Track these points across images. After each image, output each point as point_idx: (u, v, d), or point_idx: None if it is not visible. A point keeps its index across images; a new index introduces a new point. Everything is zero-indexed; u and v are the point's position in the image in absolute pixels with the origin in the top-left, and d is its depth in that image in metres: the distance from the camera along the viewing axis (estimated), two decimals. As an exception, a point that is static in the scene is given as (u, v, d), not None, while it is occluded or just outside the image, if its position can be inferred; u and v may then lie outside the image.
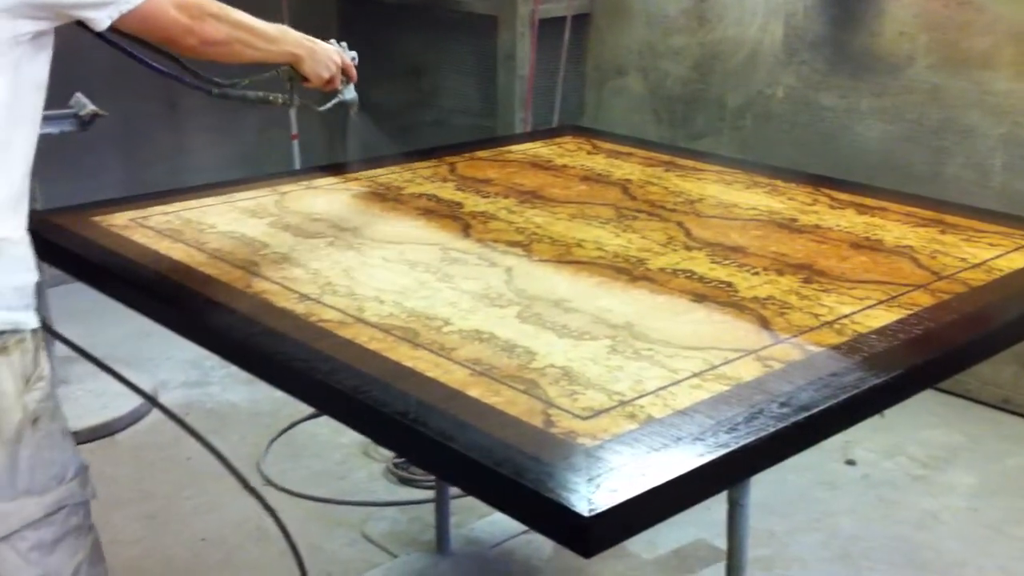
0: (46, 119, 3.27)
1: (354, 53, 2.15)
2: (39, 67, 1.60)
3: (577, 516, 1.11)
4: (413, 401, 1.34)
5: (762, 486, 3.00)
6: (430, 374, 1.42)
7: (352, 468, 3.13)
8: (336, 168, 2.48)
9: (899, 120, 3.55)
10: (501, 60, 4.27)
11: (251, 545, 2.77)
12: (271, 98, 2.11)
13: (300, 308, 1.64)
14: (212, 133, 4.82)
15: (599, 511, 1.11)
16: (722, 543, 2.03)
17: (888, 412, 3.33)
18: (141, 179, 4.42)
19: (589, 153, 2.63)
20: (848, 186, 2.35)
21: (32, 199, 3.37)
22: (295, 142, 4.30)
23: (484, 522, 2.81)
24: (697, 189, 2.31)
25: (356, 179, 2.37)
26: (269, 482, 3.05)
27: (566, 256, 1.88)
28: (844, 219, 2.10)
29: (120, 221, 2.06)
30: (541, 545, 2.73)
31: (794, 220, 2.10)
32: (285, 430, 3.31)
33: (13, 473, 1.57)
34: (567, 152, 2.63)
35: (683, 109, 4.15)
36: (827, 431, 1.38)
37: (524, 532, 2.77)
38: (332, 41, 2.09)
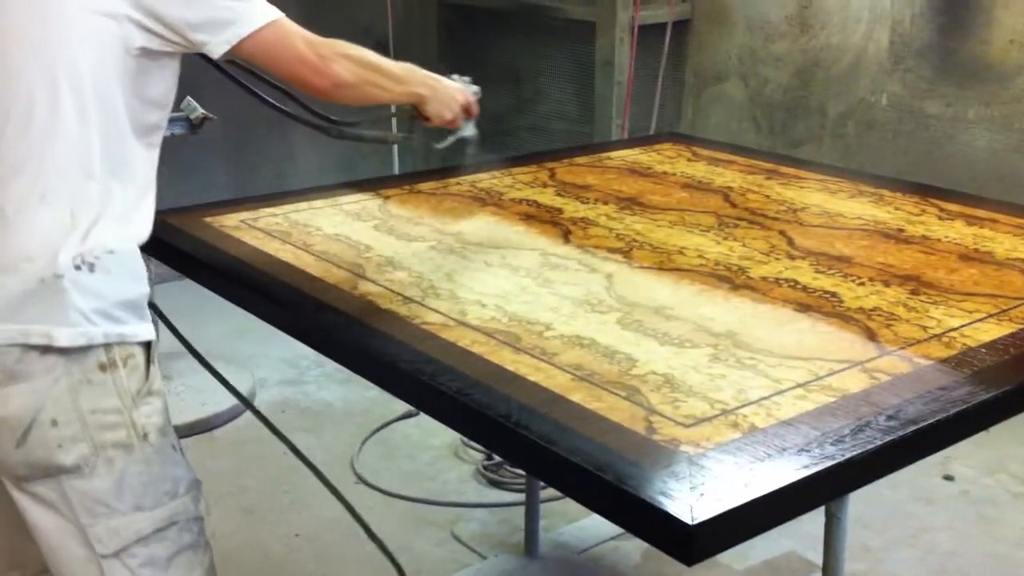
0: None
1: (477, 88, 2.06)
2: (156, 86, 1.59)
3: (681, 524, 1.11)
4: (515, 404, 1.35)
5: (857, 500, 2.94)
6: (532, 378, 1.43)
7: (443, 469, 3.16)
8: (437, 173, 2.51)
9: (1007, 130, 3.46)
10: (599, 66, 4.27)
11: (344, 542, 2.81)
12: (389, 138, 2.09)
13: (404, 310, 1.66)
14: (315, 138, 4.91)
15: (702, 520, 1.11)
16: (814, 556, 2.01)
17: (992, 428, 3.24)
18: (247, 182, 4.51)
19: (689, 160, 2.62)
20: (957, 197, 2.30)
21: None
22: (395, 146, 4.36)
23: (573, 527, 2.81)
24: (800, 198, 2.29)
25: (458, 184, 2.39)
26: (362, 480, 3.10)
27: (667, 263, 1.88)
28: (953, 230, 2.06)
29: (231, 222, 2.11)
30: (629, 552, 2.73)
31: (901, 231, 2.06)
32: (378, 429, 3.35)
33: (122, 489, 1.53)
34: (667, 159, 2.63)
35: (783, 116, 4.10)
36: (935, 445, 1.36)
37: (613, 538, 2.76)
38: (455, 76, 2.02)
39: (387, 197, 2.29)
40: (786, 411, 1.34)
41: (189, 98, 3.20)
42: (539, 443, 1.27)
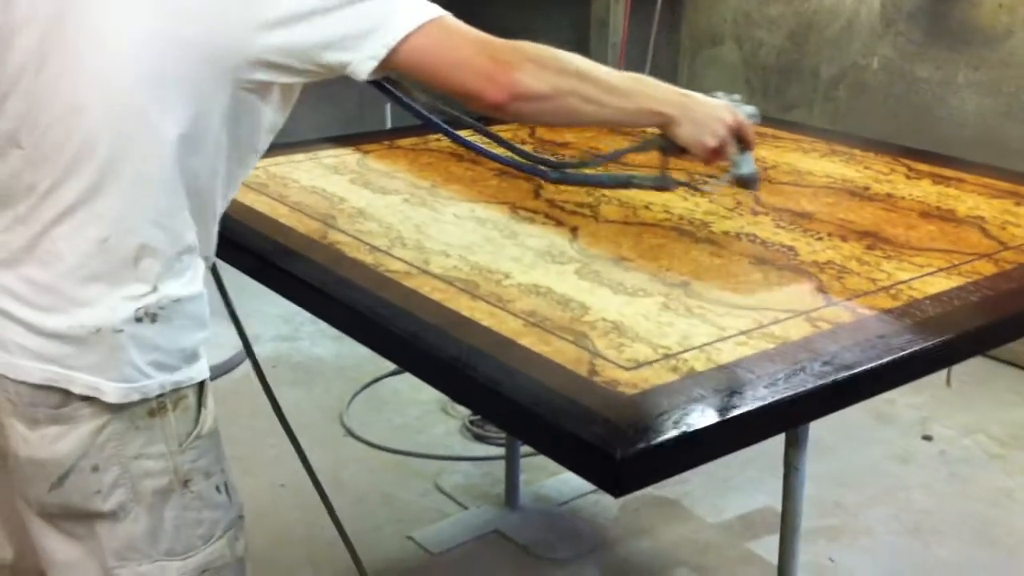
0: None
1: (753, 108, 1.58)
2: (270, 115, 1.36)
3: (609, 457, 1.16)
4: (466, 348, 1.40)
5: (834, 458, 3.02)
6: (485, 323, 1.47)
7: (430, 424, 3.22)
8: (417, 129, 2.54)
9: (996, 94, 3.47)
10: (594, 27, 4.29)
11: (329, 494, 2.88)
12: (635, 180, 1.64)
13: (369, 259, 1.71)
14: (313, 98, 4.94)
15: (629, 454, 1.16)
16: None
17: (970, 390, 3.30)
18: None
19: (669, 119, 2.64)
20: (928, 157, 2.33)
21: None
22: (388, 107, 4.39)
23: (554, 480, 2.87)
24: (773, 157, 2.32)
25: (437, 140, 2.43)
26: (351, 433, 3.16)
27: (632, 218, 1.92)
28: (918, 189, 2.09)
29: (210, 174, 2.16)
30: (607, 505, 2.79)
31: (867, 188, 2.09)
32: (368, 385, 3.41)
33: (156, 535, 1.38)
34: (647, 118, 2.65)
35: (777, 79, 4.12)
36: (869, 391, 1.40)
37: (592, 492, 2.82)
38: (718, 94, 1.56)
39: (366, 152, 2.33)
40: (726, 356, 1.38)
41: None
42: (485, 384, 1.32)
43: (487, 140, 1.69)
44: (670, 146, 1.51)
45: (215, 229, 1.43)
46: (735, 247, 1.77)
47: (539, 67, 1.34)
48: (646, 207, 1.97)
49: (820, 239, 1.81)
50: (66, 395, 1.31)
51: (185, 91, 1.26)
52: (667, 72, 4.44)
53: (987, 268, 1.69)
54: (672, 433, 1.19)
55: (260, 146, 1.41)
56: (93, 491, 1.34)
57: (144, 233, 1.29)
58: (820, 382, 1.32)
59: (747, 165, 1.58)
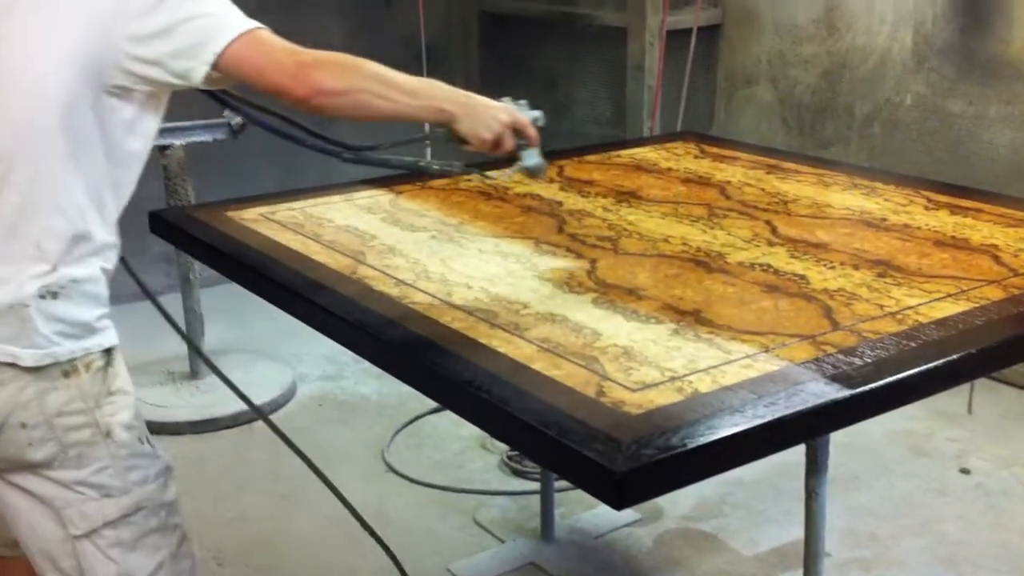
0: (203, 128, 3.56)
1: (537, 113, 1.81)
2: (140, 121, 1.61)
3: (610, 473, 1.22)
4: (481, 371, 1.47)
5: (869, 491, 3.03)
6: (501, 349, 1.54)
7: (469, 459, 3.28)
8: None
9: (1029, 127, 3.49)
10: (630, 70, 4.37)
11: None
12: (422, 164, 1.87)
13: (395, 291, 1.79)
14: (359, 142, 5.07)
15: (629, 469, 1.21)
16: (829, 546, 2.07)
17: (1008, 424, 3.28)
18: (294, 184, 4.66)
19: (695, 157, 2.71)
20: (948, 188, 2.36)
21: (185, 200, 3.65)
22: (428, 149, 4.51)
23: (589, 514, 2.91)
24: (794, 190, 2.37)
25: (468, 181, 2.51)
26: (391, 469, 3.23)
27: (650, 250, 1.98)
28: (935, 219, 2.13)
29: (250, 216, 2.26)
30: (642, 538, 2.82)
31: (884, 220, 2.14)
32: (409, 422, 3.48)
33: (90, 479, 1.63)
34: (673, 156, 2.72)
35: (812, 117, 4.16)
36: (868, 411, 1.44)
37: (626, 525, 2.86)
38: (506, 99, 1.79)
39: (399, 192, 2.42)
40: (731, 378, 1.44)
41: (227, 106, 3.36)
42: (496, 405, 1.39)
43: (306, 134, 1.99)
44: (455, 138, 1.73)
45: (111, 222, 1.65)
46: (748, 276, 1.83)
47: (337, 68, 1.60)
48: (665, 240, 2.03)
49: (832, 268, 1.86)
50: None
51: (64, 91, 1.53)
52: (703, 113, 4.50)
53: (995, 293, 1.72)
54: (672, 450, 1.25)
55: (135, 147, 1.63)
56: (25, 444, 1.59)
57: (45, 219, 1.55)
58: (819, 401, 1.36)
59: (531, 158, 1.80)
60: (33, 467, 1.61)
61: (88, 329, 1.61)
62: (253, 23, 1.59)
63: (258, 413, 2.32)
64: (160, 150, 3.47)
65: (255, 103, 1.80)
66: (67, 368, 1.59)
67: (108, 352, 1.65)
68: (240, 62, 1.56)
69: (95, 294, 1.63)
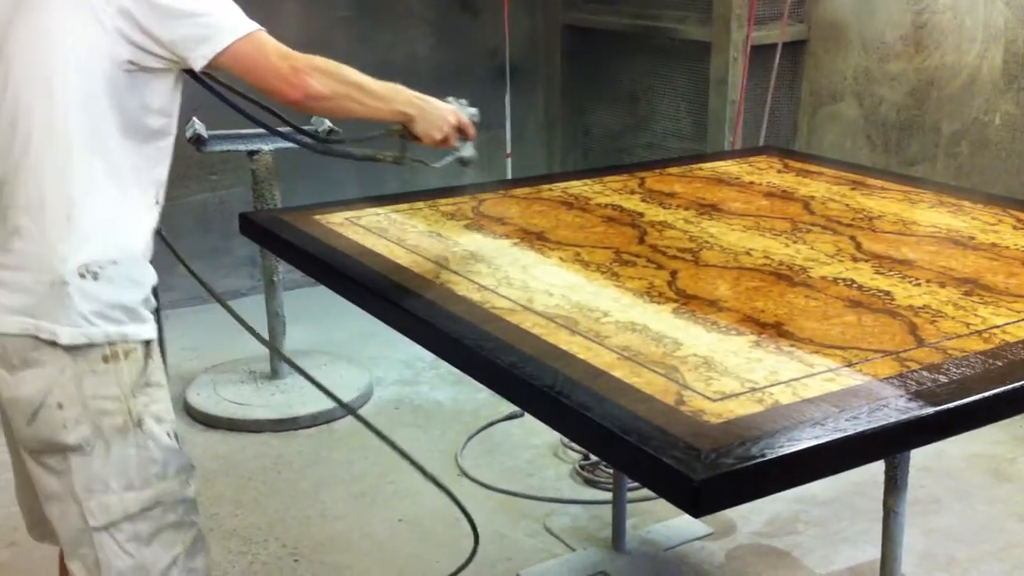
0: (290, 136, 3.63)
1: (474, 110, 2.10)
2: (154, 96, 1.71)
3: (689, 480, 1.23)
4: (561, 377, 1.49)
5: (951, 514, 2.98)
6: (581, 356, 1.56)
7: (541, 467, 3.29)
8: (532, 180, 2.66)
9: (1124, 149, 3.40)
10: (713, 85, 4.36)
11: (443, 529, 2.97)
12: (379, 156, 2.10)
13: (477, 296, 1.82)
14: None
15: (708, 477, 1.22)
16: (906, 568, 2.05)
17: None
18: (374, 193, 4.75)
19: (779, 172, 2.70)
20: (1039, 209, 2.32)
21: (272, 204, 3.72)
22: (508, 160, 4.54)
23: (660, 525, 2.91)
24: (879, 207, 2.35)
25: (549, 190, 2.54)
26: (464, 474, 3.26)
27: (731, 263, 1.98)
28: (1024, 239, 2.10)
29: (337, 220, 2.31)
30: (714, 552, 2.81)
31: (972, 238, 2.11)
32: (483, 428, 3.51)
33: (116, 469, 1.70)
34: (756, 170, 2.72)
35: (897, 135, 4.11)
36: (951, 429, 1.43)
37: (698, 538, 2.85)
38: (450, 99, 2.06)
39: (482, 200, 2.45)
40: (812, 391, 1.43)
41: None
42: (575, 410, 1.40)
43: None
44: (408, 135, 1.99)
45: (151, 206, 1.76)
46: (831, 291, 1.82)
47: (325, 75, 1.78)
48: (747, 253, 2.03)
49: (918, 285, 1.84)
50: (36, 341, 1.65)
51: (82, 74, 1.65)
52: (787, 128, 4.47)
53: (1086, 315, 1.69)
54: (751, 460, 1.25)
55: (155, 126, 1.74)
56: (60, 425, 1.67)
57: (71, 195, 1.65)
58: (902, 417, 1.35)
59: (467, 150, 2.09)
60: (66, 450, 1.68)
61: (128, 313, 1.69)
62: (253, 25, 1.73)
63: (345, 407, 2.39)
64: (249, 155, 3.55)
65: (235, 88, 1.91)
66: (106, 353, 1.67)
67: (147, 344, 1.73)
68: (237, 62, 1.70)
69: (136, 277, 1.71)
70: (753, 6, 4.19)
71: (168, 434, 1.75)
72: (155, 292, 1.78)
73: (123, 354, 1.68)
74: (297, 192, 4.02)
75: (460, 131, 2.03)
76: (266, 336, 3.60)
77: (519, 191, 2.54)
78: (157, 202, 1.79)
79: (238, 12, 1.75)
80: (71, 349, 1.65)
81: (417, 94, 1.97)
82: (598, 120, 5.11)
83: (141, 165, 1.73)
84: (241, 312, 2.12)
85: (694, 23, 4.51)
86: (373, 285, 1.91)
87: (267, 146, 3.53)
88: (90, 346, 1.66)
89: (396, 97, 1.92)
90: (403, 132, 1.99)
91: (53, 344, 1.65)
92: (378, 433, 2.16)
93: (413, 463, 2.18)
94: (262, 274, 3.78)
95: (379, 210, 2.39)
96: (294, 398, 3.66)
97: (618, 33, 4.89)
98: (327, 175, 4.41)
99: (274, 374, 3.81)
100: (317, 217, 2.33)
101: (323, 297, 2.26)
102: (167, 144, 1.78)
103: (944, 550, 2.80)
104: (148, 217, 1.76)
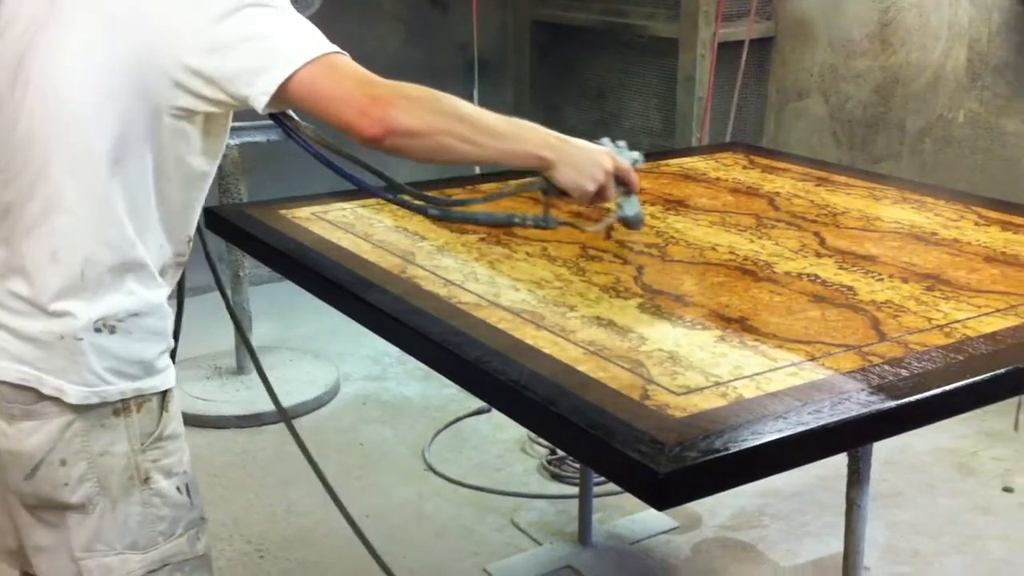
0: (257, 128, 3.61)
1: (637, 155, 1.68)
2: (204, 142, 1.48)
3: (653, 473, 1.23)
4: (527, 372, 1.49)
5: (913, 507, 3.01)
6: (547, 351, 1.56)
7: (509, 462, 3.30)
8: (500, 176, 2.65)
9: (1084, 147, 3.45)
10: (681, 82, 4.38)
11: (410, 525, 2.98)
12: (516, 219, 1.70)
13: (443, 291, 1.81)
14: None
15: (672, 470, 1.23)
16: (869, 561, 2.07)
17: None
18: (342, 187, 4.73)
19: (744, 168, 2.72)
20: (1000, 205, 2.35)
21: (237, 199, 3.70)
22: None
23: (627, 520, 2.92)
24: (844, 203, 2.37)
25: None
26: (431, 469, 3.26)
27: (697, 258, 1.99)
28: (986, 235, 2.12)
29: (303, 215, 2.30)
30: (680, 546, 2.82)
31: (934, 234, 2.13)
32: (450, 424, 3.51)
33: (119, 528, 1.51)
34: (722, 166, 2.73)
35: (863, 132, 4.14)
36: (913, 423, 1.44)
37: (664, 532, 2.86)
38: (604, 140, 1.64)
39: (450, 196, 2.44)
40: (776, 385, 1.44)
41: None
42: (542, 404, 1.40)
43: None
44: (551, 188, 1.57)
45: (171, 250, 1.54)
46: (795, 286, 1.83)
47: (415, 105, 1.41)
48: (712, 248, 2.04)
49: (880, 280, 1.86)
50: (38, 394, 1.45)
51: (115, 113, 1.40)
52: (754, 125, 4.50)
53: (1046, 310, 1.71)
54: (715, 453, 1.26)
55: (199, 169, 1.51)
56: (61, 483, 1.48)
57: (87, 247, 1.43)
58: (864, 411, 1.37)
59: (631, 207, 1.66)
60: (66, 508, 1.50)
61: (146, 368, 1.49)
62: (329, 46, 1.41)
63: (281, 413, 2.32)
64: (215, 149, 3.52)
65: (326, 140, 1.58)
66: (118, 407, 1.48)
67: (164, 394, 1.52)
68: (306, 92, 1.37)
69: (157, 329, 1.50)
70: (721, 3, 4.22)
71: (179, 488, 1.55)
72: (174, 333, 1.60)
73: (136, 407, 1.49)
74: (264, 187, 3.99)
75: (619, 180, 1.61)
76: (231, 333, 3.58)
77: (486, 187, 2.53)
78: (189, 240, 1.59)
79: (310, 32, 1.42)
80: (79, 407, 1.46)
81: (555, 133, 1.55)
82: (567, 116, 5.12)
83: (174, 209, 1.52)
84: (206, 307, 2.12)
85: (662, 20, 4.53)
86: (339, 280, 1.90)
87: (233, 140, 3.51)
88: (102, 404, 1.47)
89: (525, 135, 1.52)
90: (544, 184, 1.58)
91: (56, 400, 1.45)
92: (303, 448, 2.12)
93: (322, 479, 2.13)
94: (228, 269, 3.76)
95: (346, 205, 2.37)
96: (260, 394, 3.62)
97: (587, 29, 4.90)
98: (294, 170, 4.38)
99: (240, 370, 3.79)
100: (283, 212, 2.32)
101: (288, 293, 2.24)
102: (207, 185, 1.56)
103: (907, 543, 2.83)
104: (175, 264, 1.57)
